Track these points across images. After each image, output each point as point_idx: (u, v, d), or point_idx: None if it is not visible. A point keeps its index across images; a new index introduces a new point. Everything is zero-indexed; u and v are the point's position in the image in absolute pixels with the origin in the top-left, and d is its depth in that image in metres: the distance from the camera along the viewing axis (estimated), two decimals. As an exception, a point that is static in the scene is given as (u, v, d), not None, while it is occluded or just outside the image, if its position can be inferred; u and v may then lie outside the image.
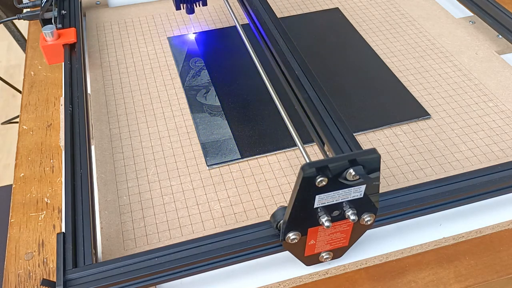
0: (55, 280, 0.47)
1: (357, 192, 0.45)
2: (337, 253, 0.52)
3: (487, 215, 0.58)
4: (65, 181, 0.56)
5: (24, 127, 0.72)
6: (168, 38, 0.86)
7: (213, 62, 0.80)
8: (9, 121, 1.38)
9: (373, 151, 0.42)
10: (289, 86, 0.59)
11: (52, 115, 0.74)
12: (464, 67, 0.78)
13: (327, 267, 0.54)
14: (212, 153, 0.65)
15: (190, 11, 0.78)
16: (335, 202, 0.45)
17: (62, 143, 0.65)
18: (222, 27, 0.88)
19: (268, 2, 0.71)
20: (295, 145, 0.65)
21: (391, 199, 0.52)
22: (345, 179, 0.43)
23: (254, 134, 0.68)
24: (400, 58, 0.80)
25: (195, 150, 0.66)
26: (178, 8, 0.76)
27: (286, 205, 0.46)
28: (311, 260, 0.52)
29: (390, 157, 0.65)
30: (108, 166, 0.64)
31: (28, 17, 0.82)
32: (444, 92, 0.74)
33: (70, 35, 0.75)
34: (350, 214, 0.46)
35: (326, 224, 0.45)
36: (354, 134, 0.52)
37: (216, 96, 0.74)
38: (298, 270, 0.53)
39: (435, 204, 0.53)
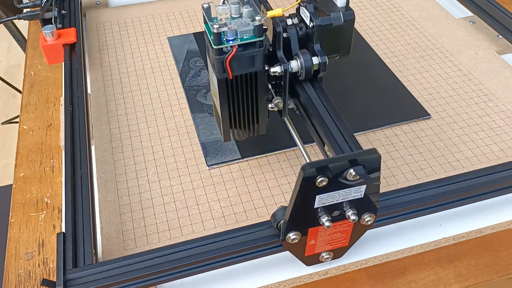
0: (55, 280, 0.47)
1: (358, 192, 0.45)
2: (337, 253, 0.52)
3: (487, 215, 0.58)
4: (65, 181, 0.56)
5: (24, 127, 0.72)
6: (168, 38, 0.86)
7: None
8: (9, 121, 1.38)
9: (374, 151, 0.42)
10: (295, 95, 0.59)
11: (52, 115, 0.74)
12: (464, 67, 0.78)
13: (327, 267, 0.54)
14: (212, 153, 0.65)
15: (241, 138, 0.60)
16: (335, 202, 0.45)
17: (62, 143, 0.65)
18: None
19: (268, 2, 0.71)
20: (295, 145, 0.65)
21: (391, 199, 0.52)
22: (346, 179, 0.43)
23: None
24: (400, 58, 0.80)
25: (195, 150, 0.66)
26: (228, 139, 0.58)
27: (286, 205, 0.46)
28: (311, 260, 0.52)
29: (390, 157, 0.65)
30: (108, 166, 0.64)
31: (28, 17, 0.82)
32: (444, 92, 0.74)
33: (70, 35, 0.75)
34: (351, 214, 0.46)
35: (327, 224, 0.45)
36: (354, 134, 0.52)
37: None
38: (298, 270, 0.53)
39: (435, 204, 0.53)
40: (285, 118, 0.59)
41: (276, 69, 0.53)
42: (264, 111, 0.57)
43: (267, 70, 0.53)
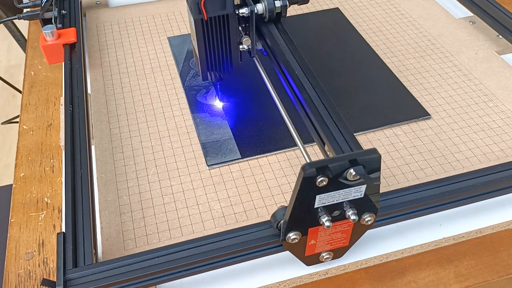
0: (55, 280, 0.47)
1: (358, 192, 0.45)
2: (338, 253, 0.52)
3: (487, 215, 0.58)
4: (65, 181, 0.56)
5: (24, 127, 0.72)
6: (168, 38, 0.86)
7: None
8: (9, 121, 1.38)
9: (374, 151, 0.42)
10: (289, 86, 0.59)
11: (52, 115, 0.74)
12: (464, 67, 0.78)
13: (327, 267, 0.54)
14: (212, 153, 0.65)
15: (218, 79, 0.68)
16: (335, 202, 0.45)
17: (62, 143, 0.65)
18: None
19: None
20: (295, 145, 0.65)
21: (391, 199, 0.52)
22: (346, 179, 0.43)
23: (254, 134, 0.68)
24: (400, 58, 0.80)
25: (195, 150, 0.66)
26: (205, 79, 0.67)
27: (286, 205, 0.46)
28: (311, 260, 0.52)
29: (390, 157, 0.65)
30: (108, 166, 0.64)
31: (28, 17, 0.82)
32: (444, 92, 0.74)
33: (70, 35, 0.75)
34: (351, 214, 0.46)
35: (327, 224, 0.45)
36: (354, 134, 0.52)
37: (216, 96, 0.74)
38: (298, 270, 0.53)
39: (435, 204, 0.53)
40: (256, 60, 0.67)
41: (244, 10, 0.61)
42: (236, 52, 0.65)
43: (237, 13, 0.61)
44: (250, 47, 0.65)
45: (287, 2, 0.63)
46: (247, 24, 0.64)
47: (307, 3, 0.67)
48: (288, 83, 0.60)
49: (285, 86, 0.60)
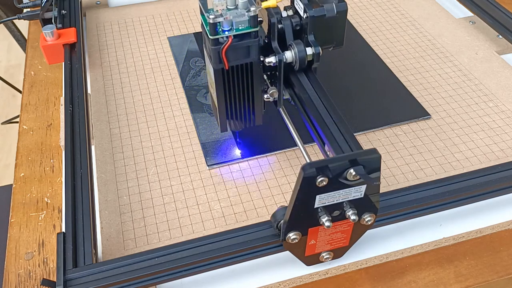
0: (55, 280, 0.47)
1: (358, 192, 0.45)
2: (338, 253, 0.52)
3: (487, 215, 0.58)
4: (65, 181, 0.56)
5: (24, 127, 0.72)
6: (168, 38, 0.86)
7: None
8: (9, 121, 1.38)
9: (374, 151, 0.42)
10: (289, 85, 0.59)
11: (52, 115, 0.74)
12: (464, 67, 0.78)
13: (327, 267, 0.54)
14: (212, 153, 0.65)
15: (237, 128, 0.61)
16: (335, 202, 0.45)
17: (62, 143, 0.65)
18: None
19: (268, 2, 0.71)
20: (295, 145, 0.65)
21: (391, 199, 0.52)
22: (346, 179, 0.43)
23: (254, 134, 0.68)
24: (400, 58, 0.80)
25: (195, 150, 0.66)
26: (224, 130, 0.59)
27: (286, 205, 0.46)
28: (311, 260, 0.52)
29: (390, 157, 0.65)
30: (108, 166, 0.64)
31: (28, 17, 0.82)
32: (444, 92, 0.74)
33: (70, 35, 0.75)
34: (351, 214, 0.46)
35: (327, 224, 0.45)
36: (354, 134, 0.52)
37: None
38: (298, 270, 0.53)
39: (435, 204, 0.53)
40: (281, 110, 0.59)
41: (271, 60, 0.53)
42: (259, 102, 0.57)
43: (262, 60, 0.54)
44: (276, 98, 0.57)
45: (320, 49, 0.54)
46: (273, 72, 0.56)
47: (342, 46, 0.58)
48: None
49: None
